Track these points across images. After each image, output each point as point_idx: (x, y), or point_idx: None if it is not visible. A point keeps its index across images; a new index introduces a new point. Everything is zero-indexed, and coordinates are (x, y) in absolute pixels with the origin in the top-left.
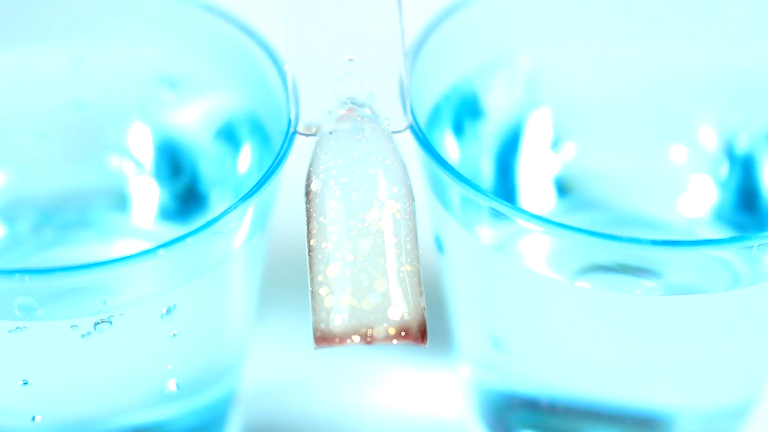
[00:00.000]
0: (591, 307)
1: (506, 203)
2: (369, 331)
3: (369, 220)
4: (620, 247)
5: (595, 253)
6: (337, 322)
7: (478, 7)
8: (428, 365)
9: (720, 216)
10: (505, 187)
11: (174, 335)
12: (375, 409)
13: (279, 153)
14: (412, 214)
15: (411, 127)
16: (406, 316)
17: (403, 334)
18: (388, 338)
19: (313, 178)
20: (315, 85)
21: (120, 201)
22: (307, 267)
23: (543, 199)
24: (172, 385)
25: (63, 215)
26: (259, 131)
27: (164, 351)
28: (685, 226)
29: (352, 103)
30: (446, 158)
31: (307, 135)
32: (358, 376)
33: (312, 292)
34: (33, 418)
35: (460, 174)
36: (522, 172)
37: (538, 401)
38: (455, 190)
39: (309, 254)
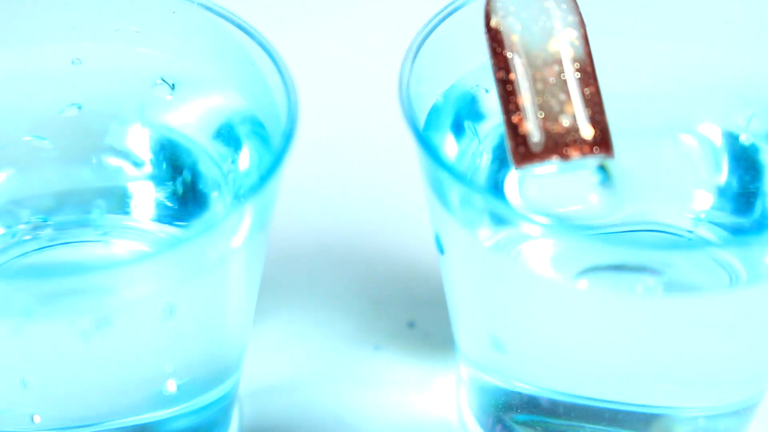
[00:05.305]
0: (591, 307)
1: (506, 203)
2: (565, 150)
3: (551, 49)
4: (620, 248)
5: (596, 254)
6: (535, 144)
7: (478, 7)
8: (428, 365)
9: (720, 216)
10: None
11: (174, 335)
12: (375, 409)
13: (279, 153)
14: (587, 39)
15: (411, 127)
16: (597, 134)
17: (596, 149)
18: (583, 154)
19: (492, 15)
20: None
21: (120, 201)
22: (497, 98)
23: None
24: (171, 386)
25: (63, 215)
26: (259, 131)
27: (164, 351)
28: (685, 226)
29: None
30: (446, 158)
31: None
32: (358, 377)
33: (506, 120)
34: (33, 418)
35: (460, 174)
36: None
37: (538, 401)
38: (455, 190)
39: (498, 87)
